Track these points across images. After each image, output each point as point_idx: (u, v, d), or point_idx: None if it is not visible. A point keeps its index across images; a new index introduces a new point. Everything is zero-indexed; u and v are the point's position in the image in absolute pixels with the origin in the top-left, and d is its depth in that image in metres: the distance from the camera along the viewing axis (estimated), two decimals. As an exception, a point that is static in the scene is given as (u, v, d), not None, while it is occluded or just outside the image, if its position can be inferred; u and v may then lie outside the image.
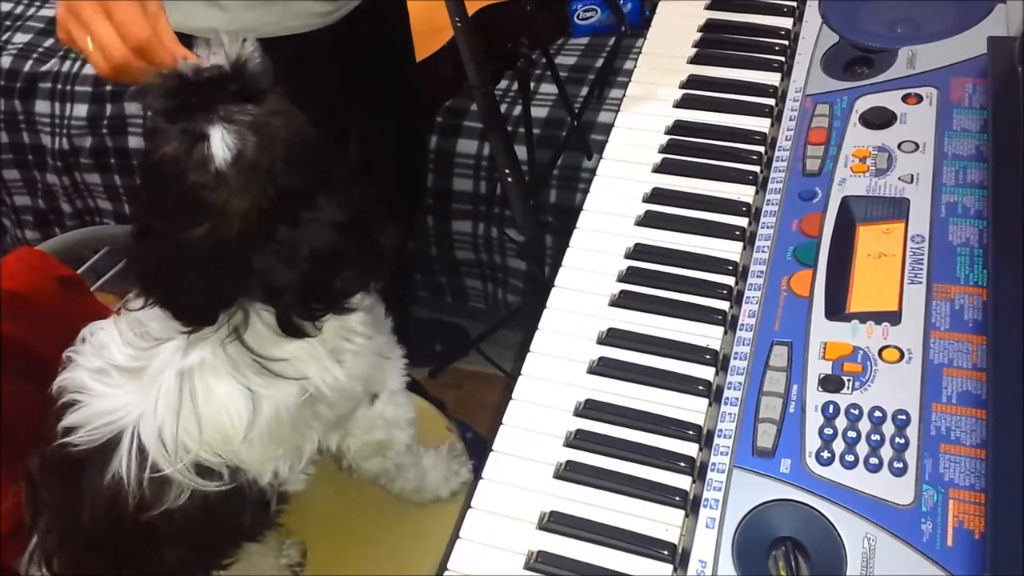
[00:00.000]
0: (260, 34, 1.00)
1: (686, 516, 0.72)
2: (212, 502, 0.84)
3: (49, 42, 1.91)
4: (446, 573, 0.71)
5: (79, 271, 1.22)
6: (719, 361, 0.80)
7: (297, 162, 0.74)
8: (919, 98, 0.94)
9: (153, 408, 0.80)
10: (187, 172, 0.71)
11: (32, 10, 1.99)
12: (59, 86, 1.83)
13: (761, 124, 0.98)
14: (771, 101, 1.00)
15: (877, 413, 0.72)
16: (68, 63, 1.85)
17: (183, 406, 0.80)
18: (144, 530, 0.83)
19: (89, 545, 0.86)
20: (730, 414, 0.75)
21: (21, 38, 1.91)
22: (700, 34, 1.08)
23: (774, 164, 0.93)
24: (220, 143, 0.70)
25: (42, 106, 1.83)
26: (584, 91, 1.65)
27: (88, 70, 1.84)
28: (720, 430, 0.74)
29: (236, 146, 0.71)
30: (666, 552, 0.70)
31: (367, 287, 0.83)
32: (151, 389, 0.81)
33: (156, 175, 0.73)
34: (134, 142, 1.79)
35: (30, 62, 1.86)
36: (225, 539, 0.93)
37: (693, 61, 1.05)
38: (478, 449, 1.14)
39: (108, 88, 1.81)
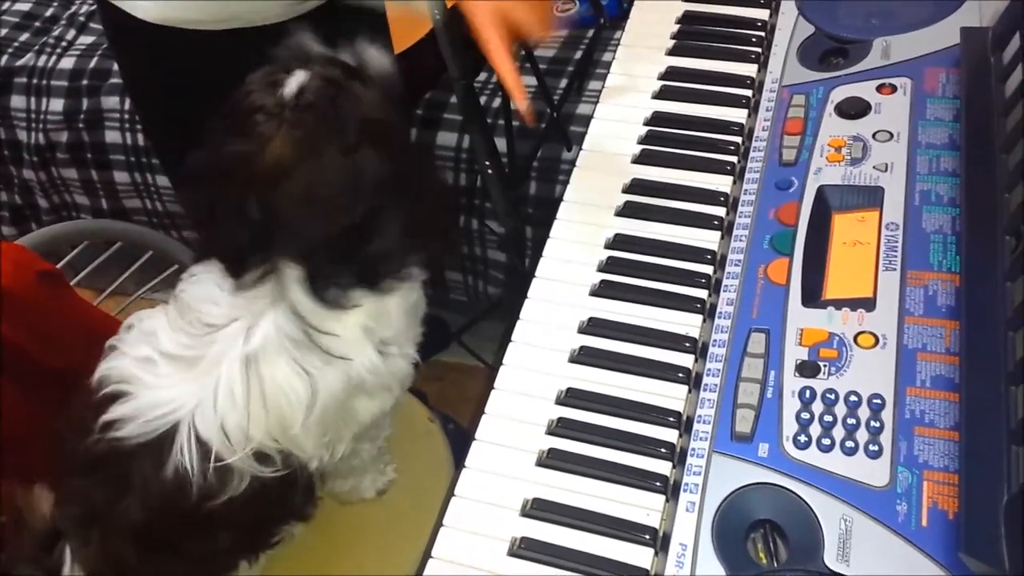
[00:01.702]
0: (241, 23, 1.00)
1: (666, 501, 0.73)
2: (268, 486, 0.83)
3: (24, 36, 1.89)
4: (430, 560, 0.72)
5: (57, 266, 1.22)
6: (698, 348, 0.81)
7: (355, 128, 0.77)
8: (893, 88, 0.95)
9: (212, 398, 0.79)
10: (255, 92, 0.77)
11: (7, 4, 1.97)
12: (35, 80, 1.81)
13: (738, 115, 0.99)
14: (748, 92, 1.01)
15: (853, 397, 0.74)
16: (44, 57, 1.84)
17: (251, 394, 0.79)
18: (204, 517, 0.83)
19: (139, 538, 0.85)
20: (709, 400, 0.76)
21: (-4, 32, 1.89)
22: (678, 26, 1.09)
23: (751, 154, 0.94)
24: (296, 79, 0.77)
25: (18, 101, 1.81)
26: (563, 83, 1.66)
27: (64, 64, 1.82)
28: (699, 416, 0.75)
29: (305, 84, 0.76)
30: (647, 536, 0.71)
31: (411, 253, 0.82)
32: (208, 379, 0.80)
33: (235, 103, 0.79)
34: (111, 136, 1.78)
35: (5, 57, 1.84)
36: (277, 519, 0.93)
37: (671, 53, 1.06)
38: (460, 440, 1.15)
39: (84, 82, 1.80)
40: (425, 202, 0.83)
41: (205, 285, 0.83)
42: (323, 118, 0.77)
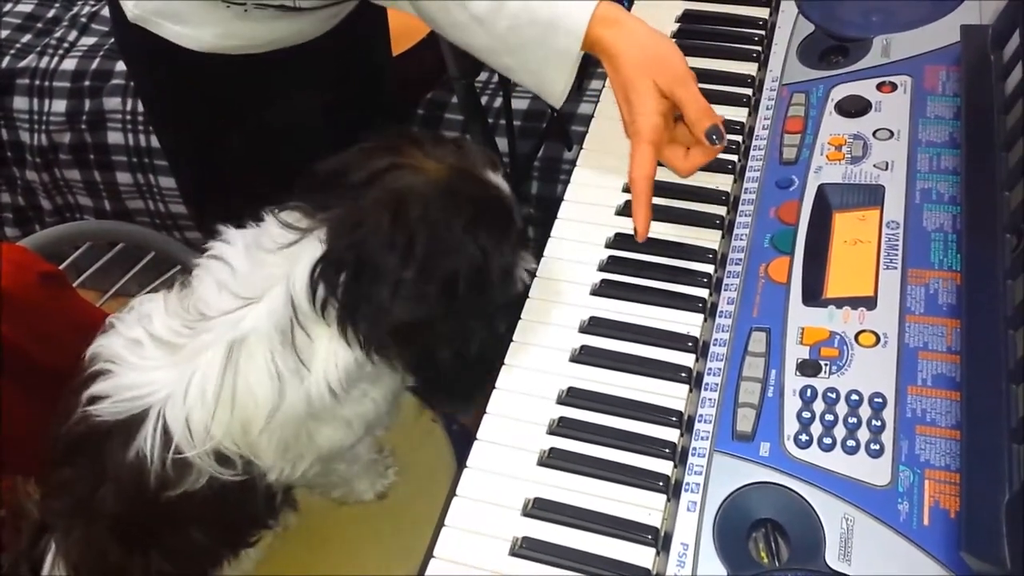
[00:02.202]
0: (282, 44, 1.02)
1: (668, 500, 0.73)
2: (228, 488, 0.83)
3: (27, 38, 1.90)
4: (432, 560, 0.72)
5: (61, 267, 1.22)
6: (699, 348, 0.81)
7: (486, 241, 0.78)
8: (893, 86, 0.95)
9: (185, 388, 0.79)
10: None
11: (8, 5, 1.97)
12: (37, 82, 1.82)
13: (739, 114, 0.99)
14: (748, 91, 1.01)
15: (854, 396, 0.73)
16: (46, 59, 1.84)
17: (223, 390, 0.78)
18: (170, 508, 0.82)
19: (116, 528, 0.85)
20: (710, 399, 0.76)
21: (-2, 34, 1.90)
22: (678, 24, 1.09)
23: (751, 153, 0.94)
24: (502, 180, 0.82)
25: (20, 102, 1.82)
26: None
27: (66, 65, 1.83)
28: (700, 415, 0.75)
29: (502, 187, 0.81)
30: (649, 536, 0.71)
31: (403, 348, 0.80)
32: (187, 367, 0.79)
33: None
34: (113, 137, 1.78)
35: (8, 58, 1.85)
36: (240, 523, 0.93)
37: (671, 51, 1.06)
38: (463, 440, 1.15)
39: (87, 83, 1.80)
40: (464, 350, 0.81)
41: (218, 271, 0.82)
42: (482, 203, 0.79)
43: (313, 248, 0.77)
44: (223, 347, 0.78)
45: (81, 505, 0.86)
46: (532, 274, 0.87)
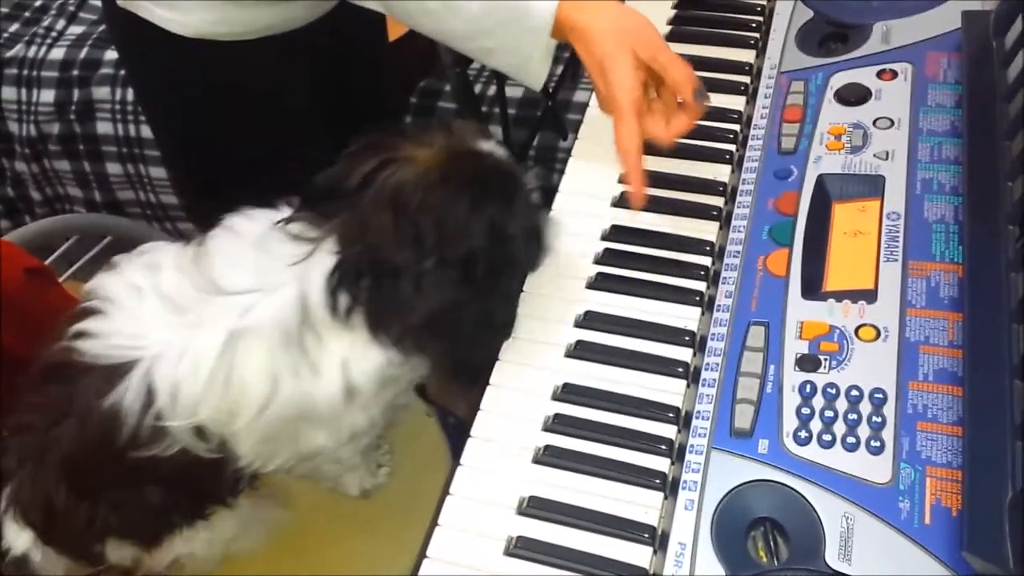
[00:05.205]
0: (271, 31, 1.00)
1: (665, 498, 0.72)
2: (196, 462, 0.82)
3: (14, 27, 1.87)
4: (425, 560, 0.71)
5: (50, 259, 1.21)
6: (696, 342, 0.80)
7: (490, 211, 0.77)
8: (894, 74, 0.93)
9: (179, 356, 0.77)
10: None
11: (-5, -6, 1.95)
12: (25, 71, 1.79)
13: (736, 102, 0.97)
14: (746, 79, 0.99)
15: (854, 392, 0.72)
16: (34, 48, 1.82)
17: (216, 374, 0.76)
18: (132, 464, 0.81)
19: (66, 474, 0.83)
20: (708, 395, 0.75)
21: (-15, 23, 1.87)
22: (674, 11, 1.08)
23: (749, 143, 0.92)
24: (496, 146, 0.81)
25: (8, 92, 1.79)
26: (559, 70, 1.64)
27: (55, 54, 1.80)
28: (698, 411, 0.74)
29: (494, 153, 0.80)
30: (646, 535, 0.70)
31: (432, 339, 0.80)
32: (185, 334, 0.77)
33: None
34: (103, 128, 1.76)
35: (-6, 47, 1.83)
36: (203, 493, 0.92)
37: (667, 39, 1.04)
38: (459, 435, 1.14)
39: (75, 73, 1.78)
40: (483, 325, 0.81)
41: (240, 244, 0.80)
42: (480, 175, 0.77)
43: (324, 258, 0.76)
44: (225, 330, 0.77)
45: (38, 439, 0.83)
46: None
